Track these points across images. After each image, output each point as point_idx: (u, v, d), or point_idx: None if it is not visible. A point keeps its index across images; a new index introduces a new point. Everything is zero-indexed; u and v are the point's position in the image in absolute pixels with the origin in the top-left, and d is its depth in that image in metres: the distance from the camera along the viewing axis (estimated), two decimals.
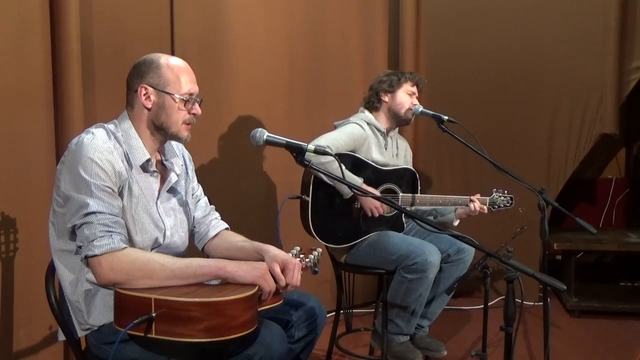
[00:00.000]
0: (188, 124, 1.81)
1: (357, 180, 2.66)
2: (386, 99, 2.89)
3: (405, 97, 2.88)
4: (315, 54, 3.58)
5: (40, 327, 2.52)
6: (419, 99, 2.95)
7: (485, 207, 2.87)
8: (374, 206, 2.70)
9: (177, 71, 1.77)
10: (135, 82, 1.78)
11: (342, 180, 1.80)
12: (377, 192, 2.72)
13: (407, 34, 3.90)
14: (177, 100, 1.76)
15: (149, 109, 1.77)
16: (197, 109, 1.81)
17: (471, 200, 2.84)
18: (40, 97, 2.49)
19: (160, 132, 1.80)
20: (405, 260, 2.59)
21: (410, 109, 2.87)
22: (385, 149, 2.90)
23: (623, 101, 3.87)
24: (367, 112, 2.92)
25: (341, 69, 3.68)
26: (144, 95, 1.76)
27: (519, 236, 2.28)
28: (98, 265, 1.57)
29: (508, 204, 2.93)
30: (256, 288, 1.61)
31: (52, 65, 2.53)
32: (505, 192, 2.94)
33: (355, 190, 2.13)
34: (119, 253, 1.59)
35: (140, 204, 1.75)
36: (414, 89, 2.91)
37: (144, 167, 1.78)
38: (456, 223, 2.92)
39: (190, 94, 1.79)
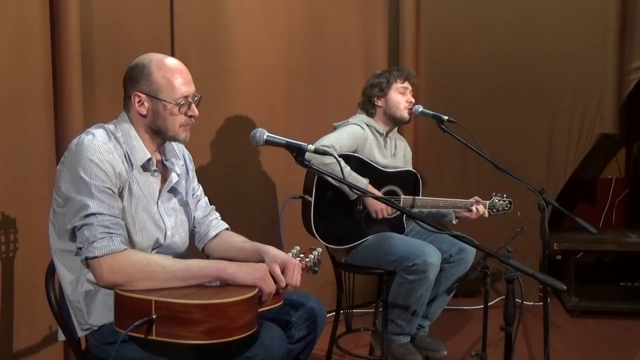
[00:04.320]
0: (186, 126, 1.79)
1: (363, 181, 2.65)
2: (380, 103, 2.88)
3: (399, 97, 2.86)
4: (316, 54, 3.58)
5: (40, 327, 2.52)
6: (417, 98, 2.94)
7: (486, 212, 2.86)
8: (379, 208, 2.69)
9: (169, 75, 1.74)
10: (129, 89, 1.76)
11: (343, 181, 1.80)
12: (379, 194, 2.72)
13: (407, 34, 3.89)
14: (170, 107, 1.74)
15: (144, 116, 1.76)
16: (193, 111, 1.78)
17: (476, 202, 2.83)
18: (40, 97, 2.49)
19: (159, 136, 1.80)
20: (404, 261, 2.59)
21: (409, 108, 2.86)
22: (385, 149, 2.90)
23: (623, 101, 3.87)
24: (365, 115, 2.92)
25: (341, 69, 3.67)
26: (138, 102, 1.74)
27: (519, 236, 2.27)
28: (98, 267, 1.57)
29: (507, 208, 2.93)
30: (256, 290, 1.61)
31: (52, 65, 2.53)
32: (505, 196, 2.93)
33: (356, 192, 2.13)
34: (119, 255, 1.58)
35: (140, 204, 1.74)
36: (406, 85, 2.88)
37: (145, 167, 1.78)
38: (455, 221, 2.92)
39: (185, 97, 1.75)
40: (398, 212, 2.82)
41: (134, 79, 1.74)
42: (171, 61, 1.78)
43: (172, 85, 1.73)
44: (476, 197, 2.87)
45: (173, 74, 1.75)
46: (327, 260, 2.79)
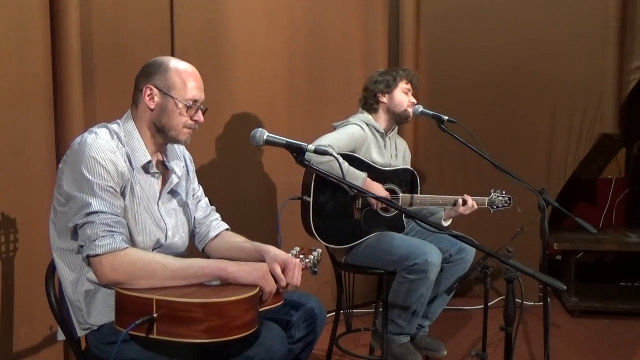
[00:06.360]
0: (189, 129, 1.81)
1: (361, 175, 2.66)
2: (384, 99, 2.90)
3: (403, 96, 2.88)
4: (316, 53, 3.59)
5: (40, 327, 2.51)
6: (417, 98, 2.96)
7: (475, 204, 2.83)
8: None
9: (184, 76, 1.78)
10: (141, 82, 1.79)
11: (342, 181, 1.80)
12: (380, 187, 2.72)
13: (407, 34, 3.90)
14: (180, 106, 1.76)
15: (151, 110, 1.77)
16: (199, 117, 1.82)
17: (463, 202, 2.80)
18: (40, 97, 2.49)
19: (161, 134, 1.80)
20: (405, 261, 2.59)
21: (409, 107, 2.87)
22: (384, 149, 2.90)
23: (623, 101, 3.87)
24: (365, 113, 2.93)
25: (341, 68, 3.68)
26: (148, 95, 1.77)
27: (519, 236, 2.28)
28: (99, 265, 1.58)
29: (506, 204, 2.93)
30: (257, 289, 1.61)
31: (52, 65, 2.53)
32: (504, 192, 2.93)
33: (355, 190, 2.12)
34: (121, 253, 1.59)
35: (142, 204, 1.75)
36: (409, 86, 2.91)
37: (145, 169, 1.79)
38: (446, 223, 2.89)
39: (195, 101, 1.79)
40: (396, 211, 2.82)
41: (148, 73, 1.78)
42: (188, 66, 1.83)
43: (185, 86, 1.77)
44: (465, 196, 2.82)
45: (188, 76, 1.79)
46: (327, 260, 2.79)
